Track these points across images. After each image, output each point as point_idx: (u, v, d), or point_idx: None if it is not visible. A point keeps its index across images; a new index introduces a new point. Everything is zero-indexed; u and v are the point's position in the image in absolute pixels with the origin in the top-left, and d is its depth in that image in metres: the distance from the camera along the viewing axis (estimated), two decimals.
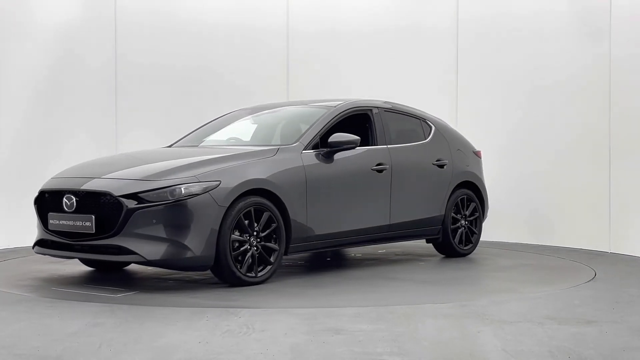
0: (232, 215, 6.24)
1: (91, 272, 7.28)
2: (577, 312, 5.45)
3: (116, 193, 6.14)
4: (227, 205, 6.22)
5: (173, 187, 6.12)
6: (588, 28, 9.49)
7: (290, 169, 6.77)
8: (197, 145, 7.75)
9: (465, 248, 8.49)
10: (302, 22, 10.79)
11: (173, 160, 6.68)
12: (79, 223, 6.30)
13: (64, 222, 6.40)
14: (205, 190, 6.17)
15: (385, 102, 8.14)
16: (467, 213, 8.50)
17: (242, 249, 6.33)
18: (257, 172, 6.55)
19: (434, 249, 8.63)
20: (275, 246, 6.56)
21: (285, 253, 6.74)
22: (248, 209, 6.35)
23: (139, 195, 6.10)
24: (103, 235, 6.18)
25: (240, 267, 6.31)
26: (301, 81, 10.70)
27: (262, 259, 6.48)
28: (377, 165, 7.50)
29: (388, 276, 7.17)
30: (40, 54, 9.78)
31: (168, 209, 6.08)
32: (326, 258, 8.47)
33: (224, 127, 8.09)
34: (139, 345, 4.41)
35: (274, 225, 6.52)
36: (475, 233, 8.62)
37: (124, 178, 6.35)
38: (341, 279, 6.98)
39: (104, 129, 10.17)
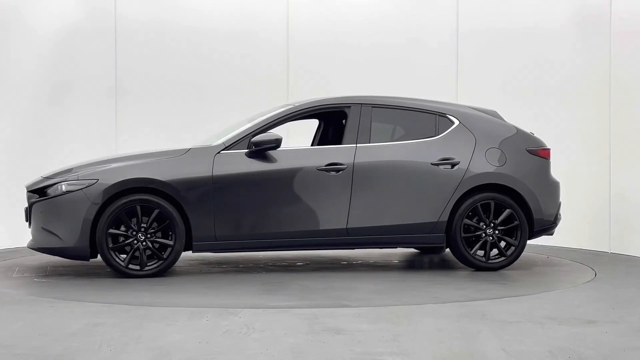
0: (110, 211, 6.79)
1: (90, 272, 7.28)
2: (577, 312, 5.45)
3: (28, 189, 7.20)
4: (101, 202, 6.79)
5: (57, 184, 6.94)
6: (588, 28, 9.50)
7: (192, 168, 6.97)
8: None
9: (493, 261, 7.42)
10: (302, 31, 10.71)
11: (88, 160, 7.45)
12: (25, 215, 7.36)
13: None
14: (81, 188, 6.83)
15: (384, 97, 7.67)
16: (497, 221, 7.37)
17: (126, 242, 6.87)
18: (147, 171, 6.92)
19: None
20: (169, 242, 6.90)
21: (192, 250, 7.03)
22: (131, 205, 6.81)
23: (44, 190, 7.00)
24: (29, 225, 7.21)
25: (123, 260, 6.85)
26: (302, 88, 10.62)
27: (157, 253, 6.92)
28: (328, 165, 7.13)
29: (388, 278, 7.17)
30: (41, 59, 9.81)
31: (50, 204, 6.92)
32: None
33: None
34: (139, 345, 4.42)
35: (166, 222, 6.88)
36: (513, 245, 7.45)
37: (45, 176, 7.21)
38: (341, 279, 6.98)
39: (104, 131, 10.16)
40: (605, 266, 7.90)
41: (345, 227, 7.15)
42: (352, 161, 7.17)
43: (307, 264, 7.97)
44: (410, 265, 8.05)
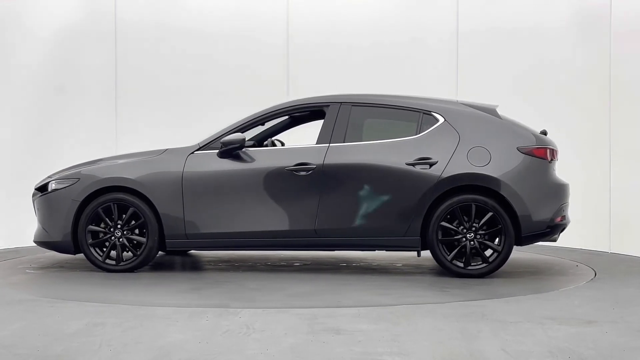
0: (90, 209, 7.14)
1: (90, 272, 7.29)
2: (577, 312, 5.45)
3: (35, 186, 7.55)
4: (81, 200, 7.15)
5: (49, 182, 7.36)
6: (588, 28, 9.51)
7: (164, 168, 7.19)
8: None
9: (473, 268, 6.98)
10: (302, 32, 10.71)
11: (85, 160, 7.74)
12: None
13: None
14: (65, 186, 7.22)
15: (365, 95, 7.39)
16: (478, 225, 6.91)
17: (104, 239, 7.19)
18: (122, 171, 7.21)
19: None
20: (142, 239, 7.15)
21: (164, 247, 7.26)
22: (107, 204, 7.14)
23: (44, 187, 7.38)
24: None
25: (102, 256, 7.18)
26: (302, 89, 10.60)
27: (132, 250, 7.21)
28: (296, 165, 7.03)
29: (387, 278, 7.17)
30: (42, 60, 9.83)
31: (42, 201, 7.34)
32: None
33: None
34: (139, 345, 4.42)
35: (141, 220, 7.13)
36: (496, 250, 6.97)
37: (50, 174, 7.57)
38: (342, 279, 6.98)
39: (104, 132, 10.17)
40: (605, 266, 7.90)
41: (313, 228, 7.02)
42: (322, 161, 7.03)
43: (305, 264, 7.97)
44: (411, 268, 8.05)
